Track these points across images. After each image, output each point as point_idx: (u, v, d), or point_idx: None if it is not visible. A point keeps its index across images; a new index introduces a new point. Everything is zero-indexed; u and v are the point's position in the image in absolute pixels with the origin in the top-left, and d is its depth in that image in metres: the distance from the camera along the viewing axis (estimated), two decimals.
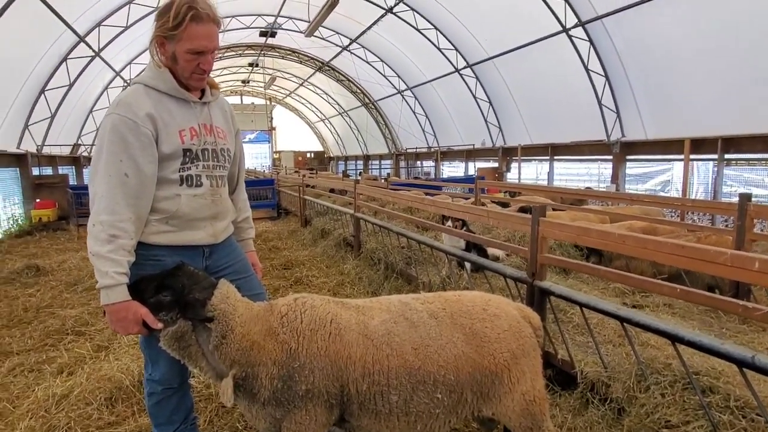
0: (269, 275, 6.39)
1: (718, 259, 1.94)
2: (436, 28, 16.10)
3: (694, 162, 11.14)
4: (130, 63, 16.03)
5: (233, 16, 18.22)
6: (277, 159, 38.09)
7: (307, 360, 1.80)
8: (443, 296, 2.11)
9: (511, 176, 17.12)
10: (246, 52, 23.79)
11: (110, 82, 15.86)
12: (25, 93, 11.61)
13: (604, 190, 12.19)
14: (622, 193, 11.23)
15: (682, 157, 10.89)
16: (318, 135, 40.24)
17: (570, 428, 2.63)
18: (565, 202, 9.43)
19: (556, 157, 15.40)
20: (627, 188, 12.89)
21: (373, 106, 26.26)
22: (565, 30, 11.98)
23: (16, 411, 3.02)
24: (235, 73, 29.89)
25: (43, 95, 12.24)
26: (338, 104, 30.30)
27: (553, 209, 7.67)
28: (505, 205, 8.59)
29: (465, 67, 16.76)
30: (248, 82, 33.06)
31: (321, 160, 40.10)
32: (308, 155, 40.56)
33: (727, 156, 10.31)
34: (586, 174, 14.97)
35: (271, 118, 37.46)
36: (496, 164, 17.71)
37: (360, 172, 28.97)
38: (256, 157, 36.76)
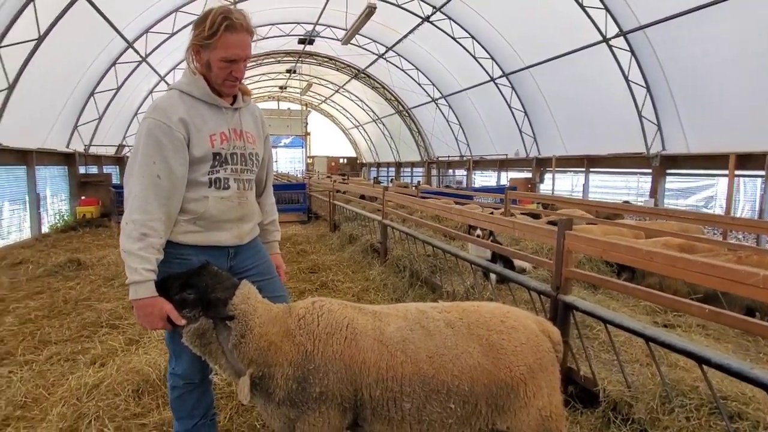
0: (295, 278, 6.46)
1: (749, 279, 1.85)
2: (472, 37, 16.03)
3: (740, 178, 10.64)
4: (174, 68, 16.63)
5: (273, 24, 18.69)
6: (310, 164, 38.76)
7: (322, 362, 1.83)
8: (461, 306, 2.09)
9: (545, 187, 16.76)
10: (284, 58, 24.33)
11: (155, 86, 16.54)
12: (77, 95, 12.25)
13: (642, 204, 11.78)
14: (659, 208, 10.80)
15: (726, 172, 10.43)
16: (351, 141, 40.65)
17: None
18: (600, 216, 9.18)
19: (592, 169, 15.01)
20: (667, 203, 12.41)
21: (406, 114, 26.34)
22: (606, 40, 11.72)
23: (50, 398, 3.17)
24: (273, 79, 30.56)
25: (92, 97, 12.90)
26: (372, 111, 30.55)
27: (588, 223, 7.46)
28: (536, 216, 8.43)
29: (501, 77, 16.60)
30: (285, 87, 33.75)
31: (353, 166, 40.50)
32: (341, 161, 41.09)
33: None
34: (624, 187, 14.51)
35: (306, 124, 38.22)
36: (529, 175, 17.42)
37: (392, 179, 29.04)
38: (290, 162, 37.56)
